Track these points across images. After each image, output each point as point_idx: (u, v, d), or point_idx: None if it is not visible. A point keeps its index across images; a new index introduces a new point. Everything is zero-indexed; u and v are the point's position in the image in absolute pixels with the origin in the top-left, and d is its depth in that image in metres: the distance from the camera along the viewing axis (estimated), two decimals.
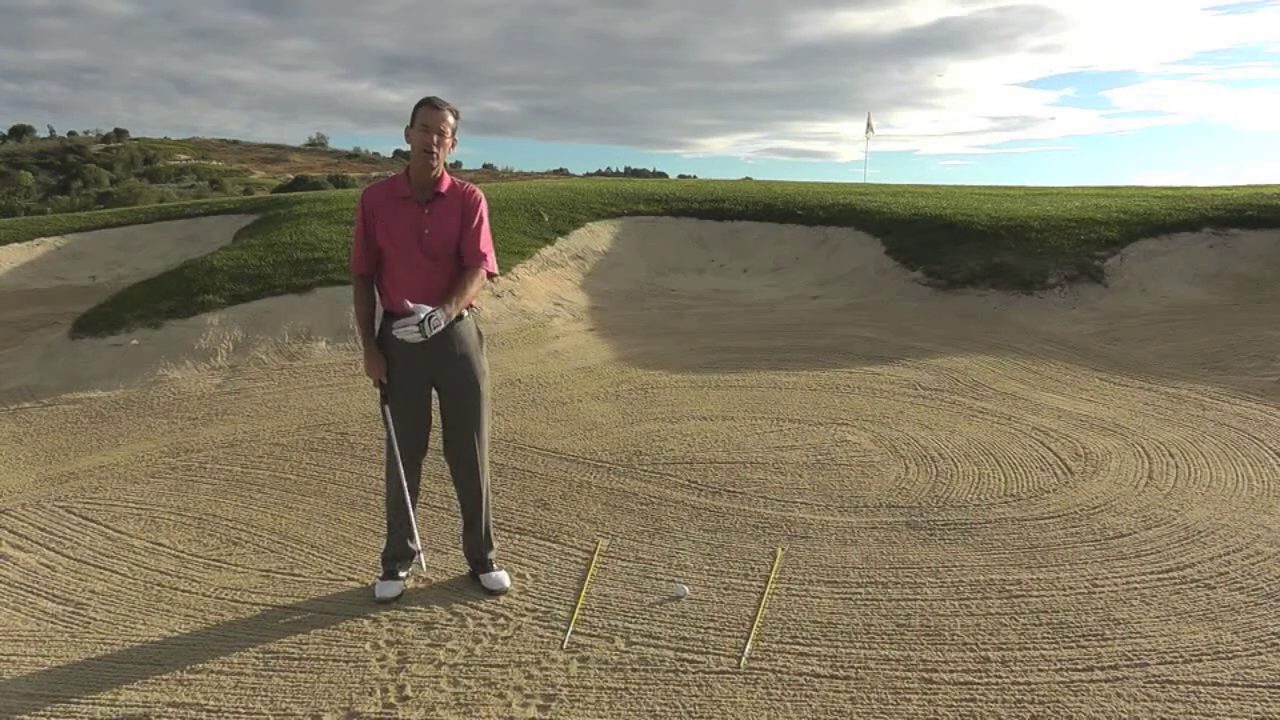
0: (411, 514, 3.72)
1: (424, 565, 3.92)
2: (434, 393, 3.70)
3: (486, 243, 3.66)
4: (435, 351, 3.57)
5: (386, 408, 3.64)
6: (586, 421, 6.11)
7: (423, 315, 3.32)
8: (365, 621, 3.55)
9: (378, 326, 3.66)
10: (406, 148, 3.55)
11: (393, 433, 3.64)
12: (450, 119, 3.51)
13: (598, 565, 4.03)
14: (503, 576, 3.83)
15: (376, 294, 3.66)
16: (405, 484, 3.66)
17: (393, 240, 3.54)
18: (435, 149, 3.47)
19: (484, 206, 3.65)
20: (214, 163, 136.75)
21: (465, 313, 3.63)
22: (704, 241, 12.66)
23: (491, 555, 3.88)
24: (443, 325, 3.38)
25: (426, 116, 3.48)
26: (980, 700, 3.01)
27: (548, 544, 4.27)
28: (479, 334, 3.71)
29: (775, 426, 6.00)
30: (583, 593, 3.76)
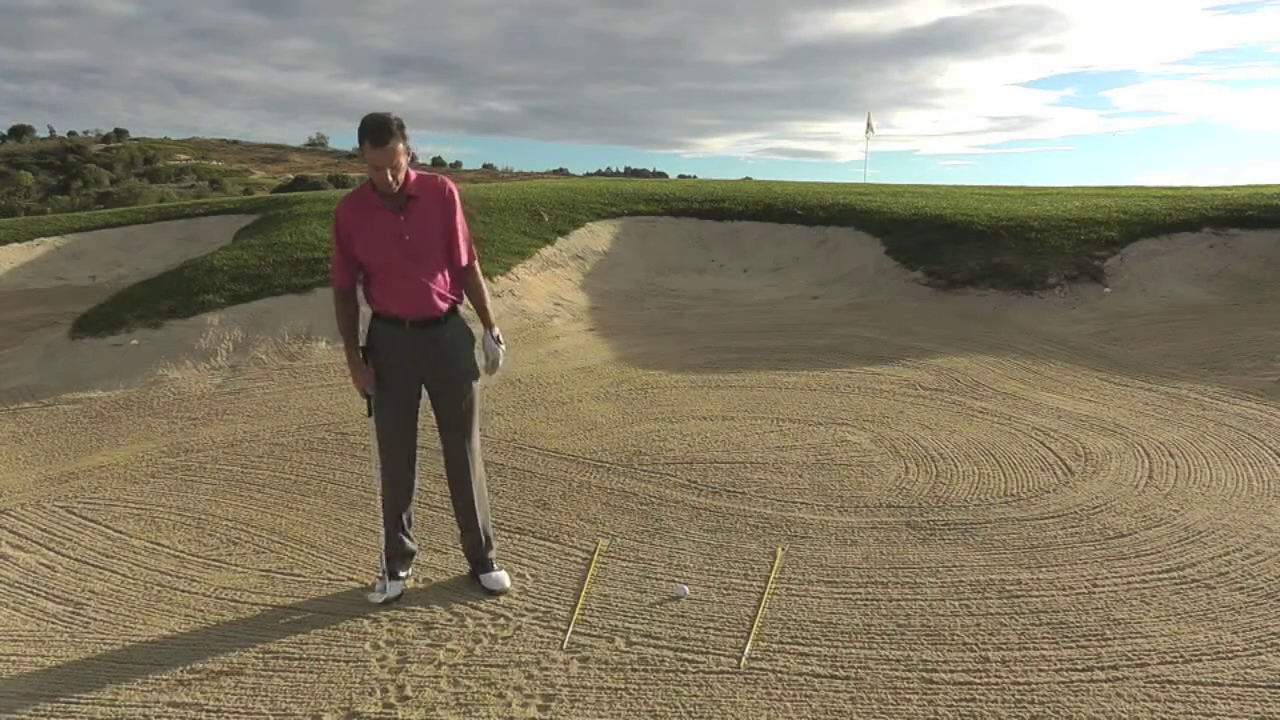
0: (404, 518, 3.72)
1: (404, 577, 3.83)
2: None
3: (465, 234, 3.64)
4: (427, 352, 3.57)
5: (373, 419, 3.62)
6: (586, 421, 6.11)
7: (492, 359, 3.70)
8: (365, 621, 3.55)
9: (364, 331, 3.63)
10: None
11: (382, 439, 3.63)
12: (398, 146, 3.34)
13: (598, 565, 4.03)
14: (502, 576, 3.82)
15: (364, 300, 3.61)
16: (398, 488, 3.66)
17: (374, 252, 3.48)
18: (390, 178, 3.38)
19: (458, 196, 3.60)
20: (214, 163, 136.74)
21: (456, 312, 3.64)
22: (704, 241, 12.66)
23: (492, 555, 3.87)
24: (502, 344, 3.73)
25: (373, 158, 3.32)
26: (980, 700, 3.01)
27: (548, 544, 4.27)
28: (469, 333, 3.71)
29: (775, 426, 6.00)
30: (583, 593, 3.76)
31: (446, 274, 3.60)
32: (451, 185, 3.60)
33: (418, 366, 3.60)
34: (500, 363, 3.71)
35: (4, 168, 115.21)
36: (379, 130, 3.30)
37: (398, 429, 3.65)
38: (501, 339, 3.73)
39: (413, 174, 3.49)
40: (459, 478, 3.76)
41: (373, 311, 3.61)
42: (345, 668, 3.23)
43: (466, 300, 3.80)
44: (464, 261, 3.62)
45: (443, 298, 3.58)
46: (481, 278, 3.74)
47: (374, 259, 3.50)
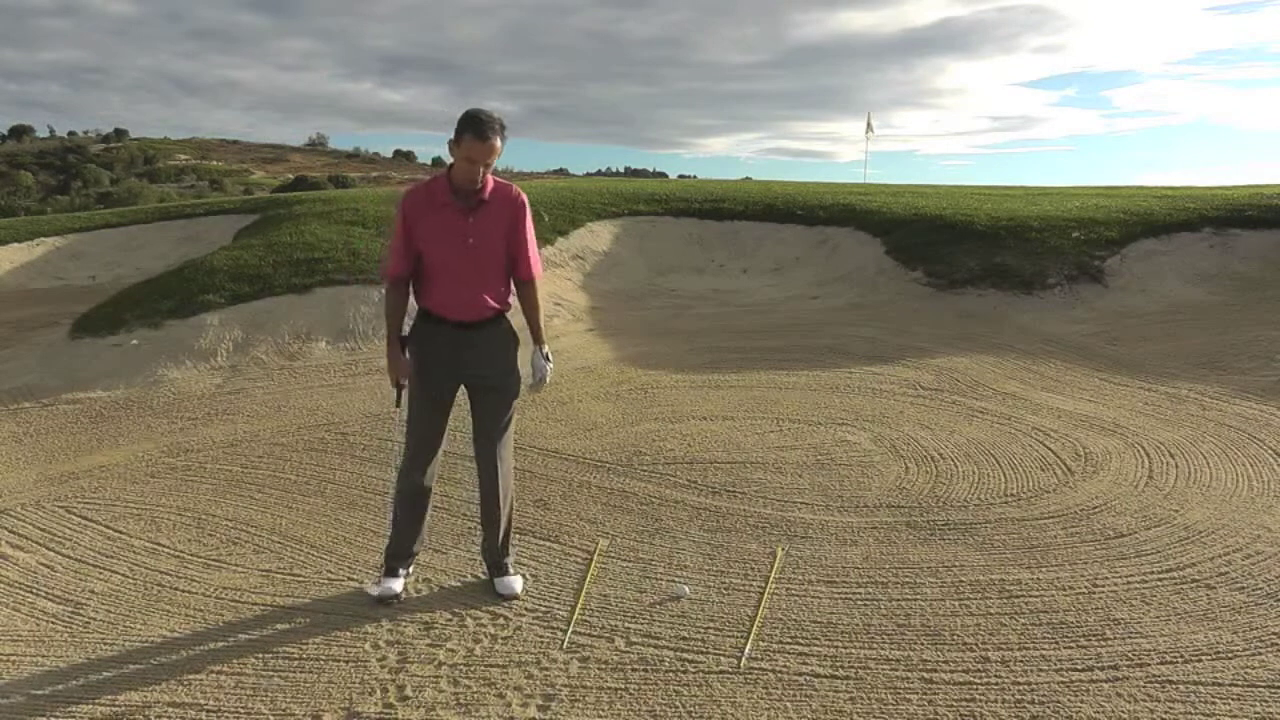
0: (415, 518, 3.72)
1: (404, 576, 3.85)
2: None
3: (534, 248, 3.65)
4: (467, 353, 3.56)
5: (405, 414, 3.60)
6: (586, 421, 6.11)
7: (539, 376, 3.73)
8: (365, 621, 3.55)
9: (407, 324, 3.63)
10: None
11: (409, 437, 3.63)
12: (497, 143, 3.33)
13: (598, 565, 4.03)
14: (514, 582, 3.78)
15: (411, 294, 3.60)
16: (416, 487, 3.66)
17: (435, 248, 3.46)
18: (479, 174, 3.38)
19: (528, 209, 3.60)
20: (214, 163, 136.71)
21: (505, 316, 3.65)
22: (704, 241, 12.66)
23: (508, 560, 3.84)
24: (550, 362, 3.77)
25: (472, 149, 3.31)
26: (980, 700, 3.01)
27: (548, 544, 4.27)
28: (514, 334, 3.71)
29: (775, 426, 6.00)
30: (583, 593, 3.76)
31: (502, 282, 3.60)
32: (524, 196, 3.58)
33: (456, 367, 3.58)
34: (546, 380, 3.74)
35: (4, 168, 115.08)
36: (484, 125, 3.31)
37: (428, 429, 3.63)
38: (550, 357, 3.77)
39: (490, 180, 3.49)
40: (488, 480, 3.72)
41: (421, 308, 3.59)
42: (345, 668, 3.23)
43: (513, 301, 3.78)
44: (528, 275, 3.64)
45: (490, 305, 3.57)
46: (539, 295, 3.75)
47: (434, 253, 3.48)
